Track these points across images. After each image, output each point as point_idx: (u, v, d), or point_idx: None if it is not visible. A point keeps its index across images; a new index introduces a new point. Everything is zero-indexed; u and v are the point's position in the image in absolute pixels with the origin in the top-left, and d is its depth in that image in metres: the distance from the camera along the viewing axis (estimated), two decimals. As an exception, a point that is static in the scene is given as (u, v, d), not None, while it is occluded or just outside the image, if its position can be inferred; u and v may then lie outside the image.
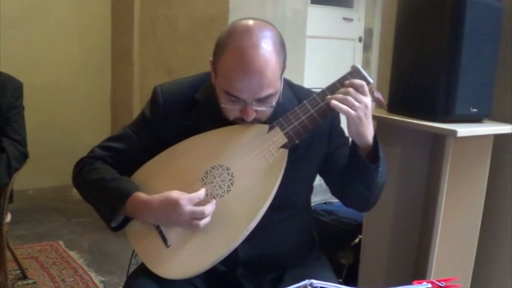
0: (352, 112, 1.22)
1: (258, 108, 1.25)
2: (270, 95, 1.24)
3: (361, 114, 1.22)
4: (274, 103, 1.27)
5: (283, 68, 1.29)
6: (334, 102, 1.23)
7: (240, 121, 1.29)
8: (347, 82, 1.26)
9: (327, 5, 4.51)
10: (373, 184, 1.31)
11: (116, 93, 4.31)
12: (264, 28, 1.24)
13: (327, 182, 1.45)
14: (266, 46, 1.21)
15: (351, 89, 1.24)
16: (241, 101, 1.23)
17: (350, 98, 1.22)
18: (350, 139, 1.33)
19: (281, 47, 1.26)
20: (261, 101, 1.24)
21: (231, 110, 1.27)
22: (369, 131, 1.26)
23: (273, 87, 1.23)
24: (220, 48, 1.25)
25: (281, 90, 1.30)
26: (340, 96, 1.23)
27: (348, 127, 1.26)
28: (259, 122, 1.30)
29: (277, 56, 1.23)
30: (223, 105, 1.27)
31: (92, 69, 4.22)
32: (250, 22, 1.25)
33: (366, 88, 1.25)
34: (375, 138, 1.28)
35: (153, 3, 3.73)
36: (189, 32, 3.37)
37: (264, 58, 1.20)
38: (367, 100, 1.24)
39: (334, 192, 1.44)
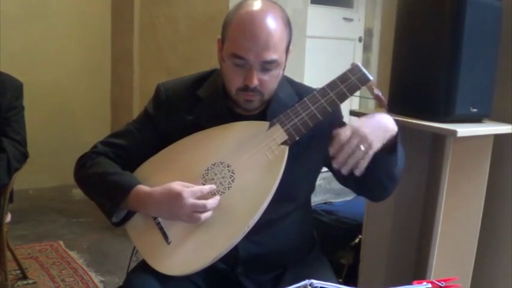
0: (365, 154, 1.17)
1: (262, 77, 1.26)
2: (274, 61, 1.26)
3: (369, 145, 1.17)
4: (278, 74, 1.29)
5: (289, 46, 1.31)
6: (344, 167, 1.17)
7: (242, 93, 1.29)
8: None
9: (327, 5, 4.51)
10: (392, 172, 1.30)
11: (115, 93, 4.31)
12: (272, 4, 1.29)
13: (335, 175, 1.41)
14: (274, 14, 1.26)
15: (339, 147, 1.17)
16: (247, 64, 1.25)
17: (350, 153, 1.16)
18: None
19: (288, 22, 1.30)
20: (265, 68, 1.26)
21: (235, 78, 1.28)
22: (386, 134, 1.22)
23: (278, 53, 1.26)
24: (228, 20, 1.29)
25: (285, 65, 1.31)
26: (341, 158, 1.17)
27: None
28: (261, 97, 1.30)
29: (284, 26, 1.27)
30: (228, 72, 1.28)
31: (91, 69, 4.22)
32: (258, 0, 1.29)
33: (343, 132, 1.17)
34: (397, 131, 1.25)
35: (153, 3, 3.73)
36: (189, 32, 3.37)
37: (271, 21, 1.24)
38: (353, 136, 1.16)
39: (345, 183, 1.40)
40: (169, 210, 1.24)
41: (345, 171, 1.18)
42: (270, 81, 1.28)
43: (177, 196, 1.22)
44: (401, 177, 1.36)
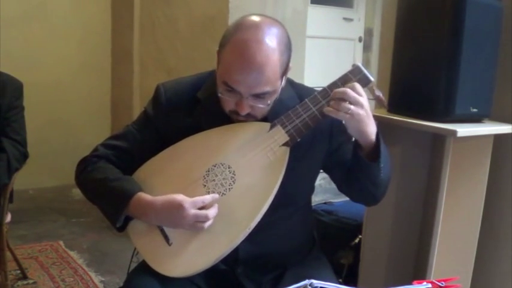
0: (347, 116, 1.21)
1: (253, 104, 1.26)
2: (267, 93, 1.24)
3: (357, 116, 1.21)
4: (270, 101, 1.27)
5: (286, 68, 1.29)
6: (327, 109, 1.23)
7: (234, 115, 1.29)
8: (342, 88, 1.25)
9: (327, 5, 4.51)
10: (377, 180, 1.32)
11: (116, 93, 4.31)
12: (271, 25, 1.25)
13: (332, 179, 1.45)
14: (270, 43, 1.22)
15: (344, 91, 1.22)
16: (238, 93, 1.24)
17: (343, 104, 1.21)
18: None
19: (285, 47, 1.27)
20: (258, 97, 1.25)
21: (228, 102, 1.27)
22: (370, 130, 1.25)
23: (271, 85, 1.24)
24: (225, 39, 1.26)
25: (280, 89, 1.30)
26: (333, 103, 1.22)
27: (348, 128, 1.27)
28: (253, 119, 1.30)
29: (279, 55, 1.24)
30: (220, 95, 1.27)
31: (92, 69, 4.22)
32: (259, 18, 1.26)
33: (359, 89, 1.23)
34: (377, 135, 1.28)
35: (153, 3, 3.73)
36: (189, 32, 3.37)
37: (265, 54, 1.21)
38: (363, 100, 1.22)
39: (340, 188, 1.44)
40: (170, 220, 1.24)
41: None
42: (263, 108, 1.28)
43: (178, 207, 1.21)
44: (388, 186, 1.38)
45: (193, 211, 1.21)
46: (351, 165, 1.35)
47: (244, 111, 1.25)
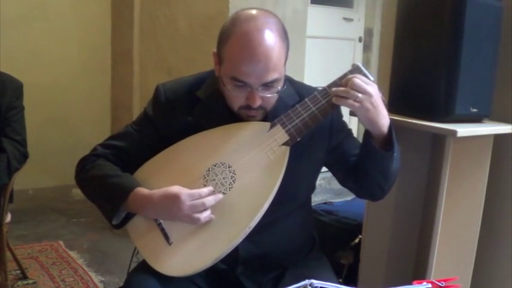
0: (356, 104, 1.22)
1: (264, 95, 1.26)
2: (276, 80, 1.25)
3: (366, 104, 1.22)
4: (279, 88, 1.28)
5: (287, 56, 1.30)
6: (336, 98, 1.24)
7: (245, 110, 1.29)
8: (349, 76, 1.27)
9: (327, 5, 4.50)
10: (388, 171, 1.32)
11: (116, 93, 4.31)
12: (267, 15, 1.27)
13: (335, 175, 1.46)
14: (270, 30, 1.23)
15: (352, 80, 1.23)
16: (248, 86, 1.24)
17: (352, 91, 1.22)
18: (357, 129, 1.33)
19: (284, 34, 1.28)
20: (267, 86, 1.25)
21: (237, 98, 1.28)
22: (381, 120, 1.26)
23: (278, 71, 1.25)
24: (225, 36, 1.26)
25: (284, 76, 1.31)
26: (341, 89, 1.24)
27: (358, 118, 1.27)
28: (264, 111, 1.31)
29: (281, 41, 1.26)
30: (229, 93, 1.28)
31: (91, 69, 4.22)
32: (253, 11, 1.28)
33: (365, 79, 1.25)
34: (390, 125, 1.28)
35: (153, 3, 3.73)
36: (189, 32, 3.37)
37: (269, 42, 1.22)
38: (371, 89, 1.23)
39: (344, 183, 1.44)
40: (168, 213, 1.25)
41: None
42: (272, 97, 1.29)
43: (175, 198, 1.22)
44: (396, 178, 1.38)
45: (189, 202, 1.21)
46: (360, 156, 1.35)
47: (257, 103, 1.26)
